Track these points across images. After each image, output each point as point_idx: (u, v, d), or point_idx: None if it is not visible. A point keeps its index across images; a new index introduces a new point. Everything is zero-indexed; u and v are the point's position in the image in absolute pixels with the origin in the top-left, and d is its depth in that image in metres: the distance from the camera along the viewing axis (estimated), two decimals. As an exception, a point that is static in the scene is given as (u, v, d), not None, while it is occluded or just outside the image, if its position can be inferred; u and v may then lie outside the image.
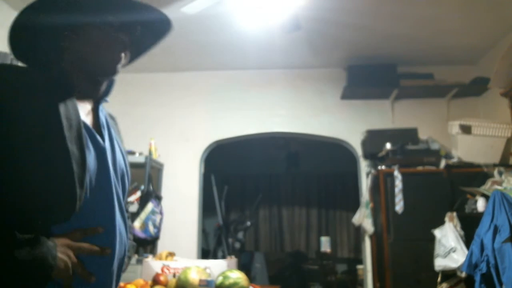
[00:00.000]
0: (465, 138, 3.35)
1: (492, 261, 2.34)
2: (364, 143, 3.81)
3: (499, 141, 3.31)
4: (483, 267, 2.40)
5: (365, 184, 3.78)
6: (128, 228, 1.09)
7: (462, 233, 2.88)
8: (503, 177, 2.91)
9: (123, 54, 1.04)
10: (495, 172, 3.02)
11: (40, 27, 0.99)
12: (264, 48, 3.69)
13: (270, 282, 5.78)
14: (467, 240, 2.78)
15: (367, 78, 3.83)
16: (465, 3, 2.96)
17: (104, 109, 1.12)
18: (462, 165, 3.28)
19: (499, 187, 2.70)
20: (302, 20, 2.86)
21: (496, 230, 2.37)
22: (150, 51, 1.19)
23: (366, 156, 3.81)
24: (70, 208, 0.88)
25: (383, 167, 3.39)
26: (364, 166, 3.90)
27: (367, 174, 3.75)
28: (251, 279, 5.09)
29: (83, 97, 1.02)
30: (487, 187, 2.91)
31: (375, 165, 3.59)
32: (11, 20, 0.96)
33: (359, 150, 3.94)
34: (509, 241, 2.27)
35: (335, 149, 4.47)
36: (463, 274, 2.72)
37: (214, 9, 2.85)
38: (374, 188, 3.53)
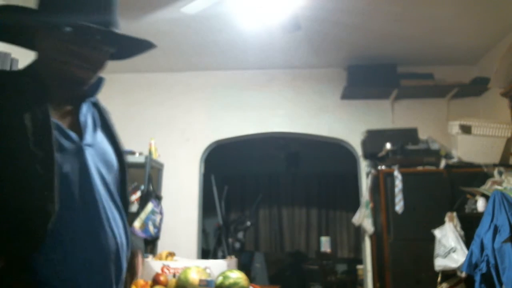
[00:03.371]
0: (465, 138, 3.35)
1: (492, 261, 2.35)
2: (364, 143, 3.81)
3: (499, 141, 3.31)
4: (483, 267, 2.41)
5: (365, 184, 3.78)
6: (126, 223, 1.07)
7: (462, 233, 2.88)
8: (503, 177, 2.91)
9: (95, 65, 1.01)
10: (495, 172, 3.02)
11: (20, 19, 0.98)
12: (264, 48, 3.69)
13: (270, 282, 5.78)
14: (467, 240, 2.78)
15: (367, 78, 3.83)
16: (465, 3, 2.96)
17: (92, 105, 1.11)
18: (462, 165, 3.28)
19: (499, 187, 2.70)
20: (302, 20, 2.86)
21: (496, 230, 2.37)
22: (150, 51, 1.15)
23: (366, 156, 3.81)
24: (46, 213, 0.86)
25: (383, 167, 3.39)
26: (364, 166, 3.89)
27: (367, 174, 3.74)
28: (251, 279, 5.09)
29: (60, 98, 1.01)
30: (487, 187, 2.91)
31: (375, 165, 3.59)
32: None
33: (359, 150, 3.94)
34: (509, 241, 2.27)
35: (335, 149, 4.47)
36: (463, 274, 2.73)
37: (214, 9, 2.85)
38: (374, 188, 3.53)
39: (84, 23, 0.94)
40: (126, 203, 1.10)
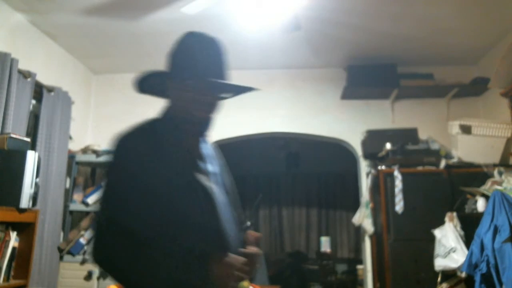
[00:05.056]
0: (465, 138, 3.35)
1: (492, 261, 2.35)
2: (364, 143, 3.81)
3: (499, 141, 3.31)
4: (483, 267, 2.41)
5: (365, 184, 3.78)
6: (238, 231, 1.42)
7: (462, 233, 2.88)
8: (503, 177, 2.91)
9: (211, 108, 1.34)
10: (495, 172, 3.02)
11: (161, 76, 1.35)
12: (264, 48, 3.69)
13: (270, 282, 5.77)
14: (467, 240, 2.78)
15: (367, 78, 3.83)
16: (465, 3, 2.96)
17: (207, 141, 1.45)
18: (462, 165, 3.28)
19: (499, 187, 2.70)
20: (302, 20, 2.86)
21: (496, 230, 2.38)
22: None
23: (366, 156, 3.81)
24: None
25: (383, 167, 3.39)
26: (364, 166, 3.89)
27: (367, 174, 3.74)
28: (251, 279, 5.08)
29: (187, 135, 1.33)
30: (487, 187, 2.91)
31: (375, 165, 3.59)
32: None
33: (359, 150, 3.94)
34: (509, 241, 2.27)
35: (335, 149, 4.47)
36: (463, 274, 2.73)
37: (214, 9, 2.85)
38: (374, 188, 3.53)
39: (204, 78, 1.27)
40: (238, 215, 1.46)
